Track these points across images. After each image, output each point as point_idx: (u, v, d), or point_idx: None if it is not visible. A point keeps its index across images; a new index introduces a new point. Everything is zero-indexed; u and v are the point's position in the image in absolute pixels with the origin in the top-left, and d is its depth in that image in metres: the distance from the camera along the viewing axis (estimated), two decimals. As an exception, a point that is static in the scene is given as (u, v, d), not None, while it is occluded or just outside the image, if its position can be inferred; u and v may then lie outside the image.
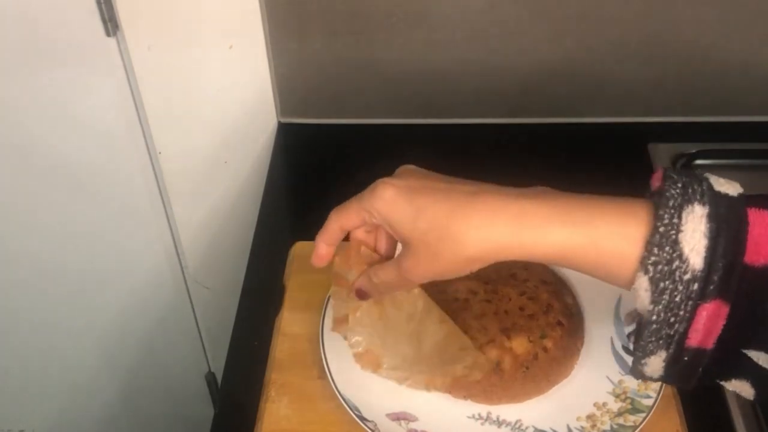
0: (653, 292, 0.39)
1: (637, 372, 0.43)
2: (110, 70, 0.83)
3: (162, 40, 0.79)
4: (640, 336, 0.41)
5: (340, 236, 0.52)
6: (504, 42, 0.81)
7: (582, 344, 0.62)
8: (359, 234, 0.53)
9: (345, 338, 0.58)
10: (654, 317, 0.40)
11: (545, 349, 0.59)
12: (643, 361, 0.42)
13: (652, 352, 0.41)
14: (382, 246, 0.53)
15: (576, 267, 0.43)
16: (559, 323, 0.61)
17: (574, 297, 0.64)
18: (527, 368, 0.58)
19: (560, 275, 0.66)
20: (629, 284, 0.41)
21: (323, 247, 0.52)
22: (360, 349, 0.57)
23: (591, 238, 0.41)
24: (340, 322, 0.57)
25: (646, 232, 0.40)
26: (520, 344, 0.59)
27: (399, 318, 0.56)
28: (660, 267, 0.39)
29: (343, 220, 0.50)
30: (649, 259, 0.39)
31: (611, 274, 0.42)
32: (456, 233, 0.43)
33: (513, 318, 0.60)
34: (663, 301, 0.39)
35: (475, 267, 0.45)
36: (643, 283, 0.40)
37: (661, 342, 0.41)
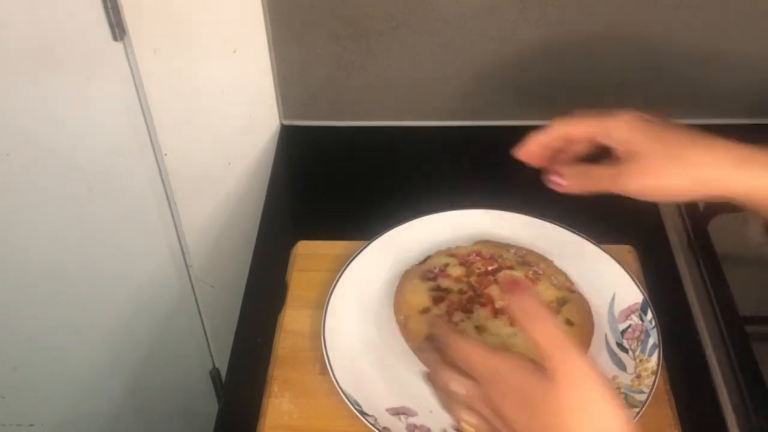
0: None
1: None
2: (117, 74, 0.84)
3: (168, 44, 0.81)
4: None
5: (559, 142, 0.55)
6: (501, 45, 0.82)
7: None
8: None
9: None
10: None
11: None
12: None
13: None
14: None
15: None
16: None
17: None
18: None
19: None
20: None
21: (536, 144, 0.55)
22: None
23: None
24: None
25: None
26: None
27: None
28: None
29: (571, 128, 0.54)
30: None
31: None
32: (691, 157, 0.49)
33: None
34: None
35: (684, 198, 0.53)
36: None
37: None
